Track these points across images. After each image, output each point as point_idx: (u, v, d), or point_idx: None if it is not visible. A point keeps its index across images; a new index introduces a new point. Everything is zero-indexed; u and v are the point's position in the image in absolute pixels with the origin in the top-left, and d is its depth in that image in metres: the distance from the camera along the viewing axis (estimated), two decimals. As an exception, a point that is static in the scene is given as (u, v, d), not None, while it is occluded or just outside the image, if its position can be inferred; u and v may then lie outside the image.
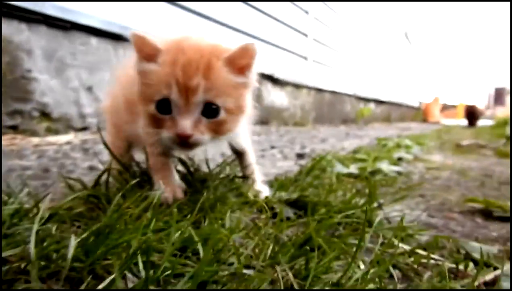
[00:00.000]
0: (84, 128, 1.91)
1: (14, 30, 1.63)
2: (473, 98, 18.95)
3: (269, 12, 3.61)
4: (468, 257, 0.63)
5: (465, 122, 9.94)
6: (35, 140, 1.62)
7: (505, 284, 0.54)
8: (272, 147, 2.02)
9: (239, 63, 0.67)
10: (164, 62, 0.65)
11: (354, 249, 0.50)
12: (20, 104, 1.64)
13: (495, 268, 0.58)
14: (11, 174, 1.01)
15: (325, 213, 0.71)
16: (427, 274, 0.55)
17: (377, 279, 0.47)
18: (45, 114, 1.75)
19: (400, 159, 1.83)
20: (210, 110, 0.66)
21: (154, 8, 2.28)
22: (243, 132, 0.80)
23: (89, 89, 1.94)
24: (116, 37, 2.07)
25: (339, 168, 1.31)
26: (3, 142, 1.47)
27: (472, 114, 9.82)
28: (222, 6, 2.87)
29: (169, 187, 0.72)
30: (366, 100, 6.72)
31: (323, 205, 0.76)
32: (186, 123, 0.64)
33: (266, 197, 0.78)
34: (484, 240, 0.75)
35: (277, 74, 3.76)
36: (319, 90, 4.84)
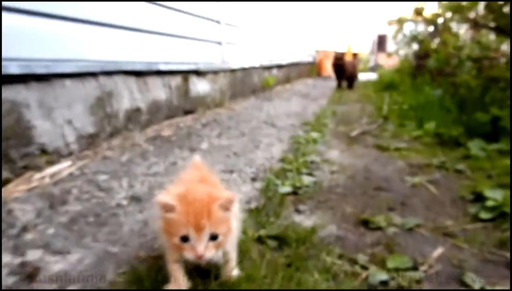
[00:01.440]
0: (70, 154, 2.37)
1: (16, 93, 2.01)
2: (358, 44, 20.63)
3: (183, 9, 3.98)
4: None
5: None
6: (37, 175, 2.08)
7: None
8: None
9: (226, 206, 1.03)
10: (180, 213, 0.99)
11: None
12: (26, 148, 2.07)
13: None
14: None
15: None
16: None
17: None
18: (43, 151, 2.18)
19: (312, 162, 2.61)
20: (213, 237, 1.01)
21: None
22: (230, 242, 1.15)
23: (69, 122, 2.37)
24: (81, 75, 2.49)
25: (282, 189, 2.03)
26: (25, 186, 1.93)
27: (340, 68, 7.90)
28: (132, 9, 3.28)
29: (176, 283, 1.11)
30: (269, 68, 7.46)
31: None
32: (200, 249, 0.98)
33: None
34: (361, 247, 1.52)
35: (200, 67, 4.29)
36: (232, 70, 5.43)
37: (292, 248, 1.43)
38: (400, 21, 8.13)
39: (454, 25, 5.51)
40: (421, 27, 7.61)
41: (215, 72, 4.81)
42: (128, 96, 2.98)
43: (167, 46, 3.64)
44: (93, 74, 2.59)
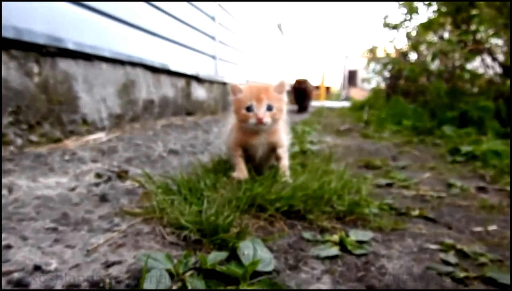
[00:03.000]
0: (103, 128, 2.70)
1: (69, 66, 2.37)
2: (329, 78, 21.60)
3: (187, 21, 4.47)
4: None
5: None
6: (82, 139, 2.40)
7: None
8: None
9: (279, 89, 1.36)
10: (246, 92, 1.36)
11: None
12: (73, 115, 2.40)
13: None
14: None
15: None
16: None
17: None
18: (84, 121, 2.52)
19: (311, 142, 3.02)
20: (269, 108, 1.32)
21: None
22: (282, 130, 1.47)
23: (104, 100, 2.72)
24: (114, 61, 2.86)
25: (292, 149, 2.42)
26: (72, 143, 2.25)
27: (302, 94, 7.54)
28: (152, 18, 3.72)
29: (240, 171, 1.43)
30: (255, 88, 7.94)
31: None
32: (260, 114, 1.31)
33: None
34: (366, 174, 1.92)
35: (200, 74, 4.71)
36: (223, 83, 5.88)
37: (313, 167, 1.81)
38: (373, 51, 8.79)
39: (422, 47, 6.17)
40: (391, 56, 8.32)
41: (211, 82, 5.24)
42: (145, 88, 3.35)
43: (175, 51, 4.06)
44: (121, 62, 2.96)
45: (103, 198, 1.19)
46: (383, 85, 9.51)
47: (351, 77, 24.90)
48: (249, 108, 1.34)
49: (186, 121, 3.75)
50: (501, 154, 2.06)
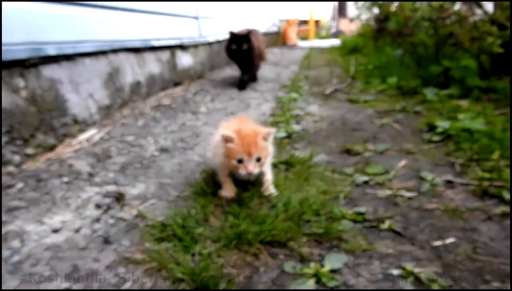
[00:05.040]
0: (94, 123, 2.79)
1: (53, 71, 2.41)
2: (319, 11, 21.01)
3: None
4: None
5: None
6: (75, 141, 2.50)
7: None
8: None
9: (265, 137, 1.50)
10: (237, 143, 1.46)
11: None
12: (64, 118, 2.48)
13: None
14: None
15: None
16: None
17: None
18: (75, 121, 2.60)
19: (297, 115, 3.12)
20: (258, 159, 1.47)
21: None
22: (268, 163, 1.62)
23: (91, 95, 2.78)
24: (96, 54, 2.88)
25: (279, 134, 2.53)
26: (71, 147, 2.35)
27: (243, 56, 4.21)
28: None
29: (228, 190, 1.59)
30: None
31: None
32: (251, 167, 1.46)
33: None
34: (346, 165, 2.05)
35: (184, 41, 4.68)
36: (209, 43, 5.83)
37: (297, 168, 1.94)
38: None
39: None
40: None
41: (195, 46, 5.21)
42: (130, 71, 3.38)
43: (156, 24, 4.01)
44: (104, 53, 2.98)
45: (107, 241, 1.33)
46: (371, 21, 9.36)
47: (341, 8, 24.23)
48: (240, 161, 1.48)
49: (174, 98, 3.80)
50: (474, 134, 2.19)
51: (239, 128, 1.53)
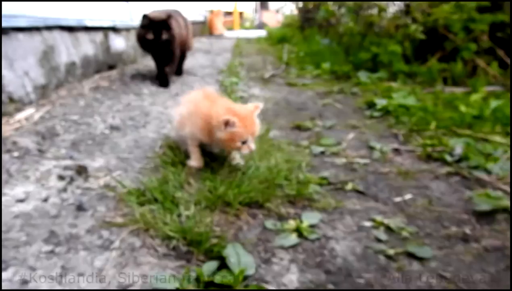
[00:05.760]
0: (30, 102, 2.62)
1: (-12, 44, 2.23)
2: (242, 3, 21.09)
3: None
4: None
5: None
6: (13, 120, 2.34)
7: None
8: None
9: (257, 112, 1.50)
10: (241, 126, 1.41)
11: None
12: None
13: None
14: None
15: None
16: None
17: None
18: (11, 99, 2.43)
19: (242, 97, 3.18)
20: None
21: None
22: None
23: (26, 73, 2.61)
24: (30, 29, 2.70)
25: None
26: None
27: (161, 48, 3.27)
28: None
29: (196, 160, 1.63)
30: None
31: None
32: (253, 145, 1.46)
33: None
34: (300, 139, 2.16)
35: (117, 24, 4.52)
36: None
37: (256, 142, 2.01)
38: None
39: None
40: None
41: (128, 29, 5.04)
42: (65, 51, 3.21)
43: (89, 4, 3.83)
44: (38, 29, 2.80)
45: (80, 208, 1.29)
46: (295, 12, 9.68)
47: (263, 1, 24.61)
48: (243, 141, 1.46)
49: (111, 80, 3.67)
50: (410, 109, 2.41)
51: (233, 110, 1.48)
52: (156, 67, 3.65)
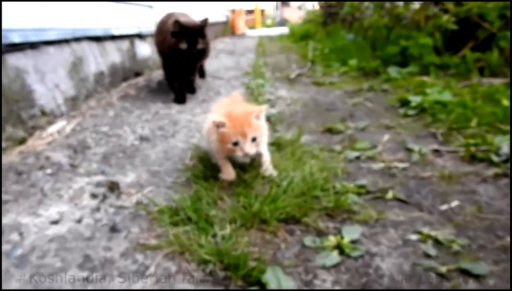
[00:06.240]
0: (61, 114, 2.64)
1: (18, 60, 2.25)
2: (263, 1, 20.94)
3: None
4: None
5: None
6: (45, 133, 2.36)
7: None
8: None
9: (258, 116, 1.44)
10: (230, 127, 1.40)
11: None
12: (32, 110, 2.33)
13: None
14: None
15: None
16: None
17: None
18: (43, 112, 2.45)
19: (269, 100, 3.12)
20: (253, 140, 1.42)
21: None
22: (264, 143, 1.59)
23: (57, 85, 2.63)
24: (60, 42, 2.73)
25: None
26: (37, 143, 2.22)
27: (191, 53, 2.84)
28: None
29: (228, 173, 1.55)
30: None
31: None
32: (247, 148, 1.41)
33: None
34: (333, 143, 2.09)
35: (142, 30, 4.54)
36: (165, 32, 5.68)
37: (288, 148, 1.95)
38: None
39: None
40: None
41: (152, 35, 5.05)
42: (93, 61, 3.24)
43: (114, 12, 3.85)
44: (67, 41, 2.83)
45: (114, 229, 1.27)
46: (317, 8, 9.54)
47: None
48: (235, 143, 1.44)
49: (138, 88, 3.68)
50: (448, 105, 2.30)
51: (229, 111, 1.48)
52: (171, 78, 3.30)
